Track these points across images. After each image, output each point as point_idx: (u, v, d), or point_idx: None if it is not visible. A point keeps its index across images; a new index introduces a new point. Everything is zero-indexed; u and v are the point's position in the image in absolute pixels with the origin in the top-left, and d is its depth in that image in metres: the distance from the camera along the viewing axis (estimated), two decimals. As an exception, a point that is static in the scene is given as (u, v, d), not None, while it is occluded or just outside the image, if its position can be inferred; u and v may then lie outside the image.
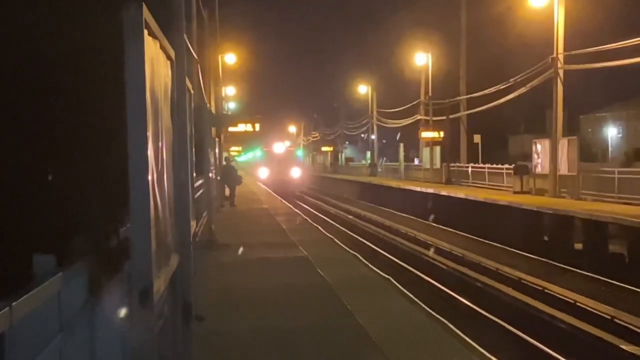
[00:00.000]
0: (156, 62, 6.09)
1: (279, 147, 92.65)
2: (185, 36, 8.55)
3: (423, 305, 14.48)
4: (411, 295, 15.58)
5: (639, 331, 18.43)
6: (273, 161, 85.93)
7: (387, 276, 18.65)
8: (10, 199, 4.47)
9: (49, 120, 5.12)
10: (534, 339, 17.89)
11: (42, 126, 5.05)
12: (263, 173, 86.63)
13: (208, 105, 33.92)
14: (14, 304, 3.46)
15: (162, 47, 6.45)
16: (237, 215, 37.16)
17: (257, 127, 38.94)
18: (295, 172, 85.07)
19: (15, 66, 4.71)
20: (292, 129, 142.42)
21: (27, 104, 5.00)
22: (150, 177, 5.37)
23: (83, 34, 5.12)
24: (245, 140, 69.17)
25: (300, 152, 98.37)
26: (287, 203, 48.48)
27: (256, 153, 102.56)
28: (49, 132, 5.15)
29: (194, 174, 15.31)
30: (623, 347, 17.27)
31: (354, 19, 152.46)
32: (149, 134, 5.39)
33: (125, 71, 5.11)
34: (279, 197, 53.81)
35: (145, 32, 5.30)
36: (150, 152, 5.41)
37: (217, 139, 39.16)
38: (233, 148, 66.81)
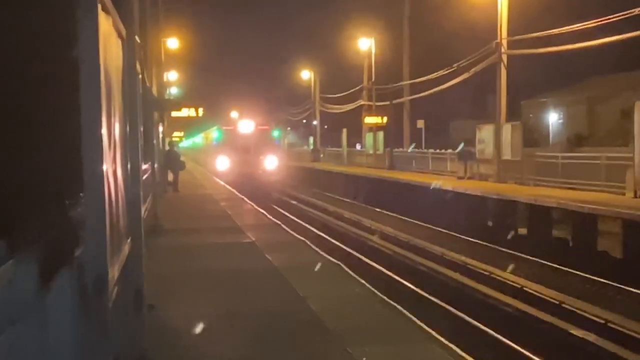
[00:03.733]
0: (108, 40, 5.83)
1: (247, 125, 62.05)
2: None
3: (374, 290, 14.35)
4: (362, 280, 15.45)
5: (588, 316, 18.51)
6: (237, 146, 60.00)
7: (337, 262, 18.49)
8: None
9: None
10: (483, 324, 17.91)
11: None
12: (222, 163, 61.12)
13: (151, 89, 33.48)
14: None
15: (114, 25, 6.20)
16: (180, 201, 36.85)
17: (201, 111, 38.67)
18: (271, 162, 59.91)
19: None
20: (234, 114, 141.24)
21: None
22: (103, 161, 5.15)
23: (30, 7, 4.85)
24: (188, 125, 68.15)
25: (277, 133, 65.87)
26: (233, 189, 47.95)
27: (212, 134, 73.48)
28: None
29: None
30: (572, 332, 17.35)
31: (299, 3, 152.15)
32: (103, 116, 5.16)
33: (78, 49, 4.86)
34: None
35: (99, 6, 5.05)
36: (104, 134, 5.18)
37: (160, 124, 38.83)
38: (175, 134, 66.24)
